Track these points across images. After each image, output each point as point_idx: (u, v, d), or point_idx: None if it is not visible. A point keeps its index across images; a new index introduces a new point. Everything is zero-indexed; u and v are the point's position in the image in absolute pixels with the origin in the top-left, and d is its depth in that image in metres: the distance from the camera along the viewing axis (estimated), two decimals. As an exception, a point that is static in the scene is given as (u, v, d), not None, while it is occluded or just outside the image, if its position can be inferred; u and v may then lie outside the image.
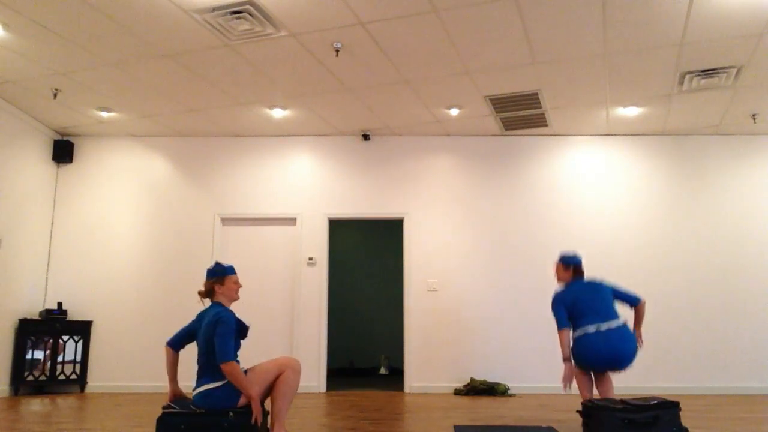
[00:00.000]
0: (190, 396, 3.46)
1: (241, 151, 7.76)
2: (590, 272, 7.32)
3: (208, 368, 3.38)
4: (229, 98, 6.60)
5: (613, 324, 4.17)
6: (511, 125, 7.35)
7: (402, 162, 7.69)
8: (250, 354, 6.86)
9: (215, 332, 3.33)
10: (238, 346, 3.47)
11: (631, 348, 4.14)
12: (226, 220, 7.64)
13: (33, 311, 7.19)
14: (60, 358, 7.05)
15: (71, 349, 7.15)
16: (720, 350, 7.13)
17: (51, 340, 7.00)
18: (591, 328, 4.18)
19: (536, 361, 7.20)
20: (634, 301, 4.40)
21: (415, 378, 7.22)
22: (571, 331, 4.31)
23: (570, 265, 4.48)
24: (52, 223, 7.58)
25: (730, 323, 7.19)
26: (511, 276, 7.39)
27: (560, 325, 4.28)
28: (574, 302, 4.29)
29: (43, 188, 7.43)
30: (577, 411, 4.03)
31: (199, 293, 3.62)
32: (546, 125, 7.34)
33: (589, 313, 4.24)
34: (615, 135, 7.67)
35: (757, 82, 6.12)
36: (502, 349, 7.25)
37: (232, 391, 3.32)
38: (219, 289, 3.58)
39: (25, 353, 6.81)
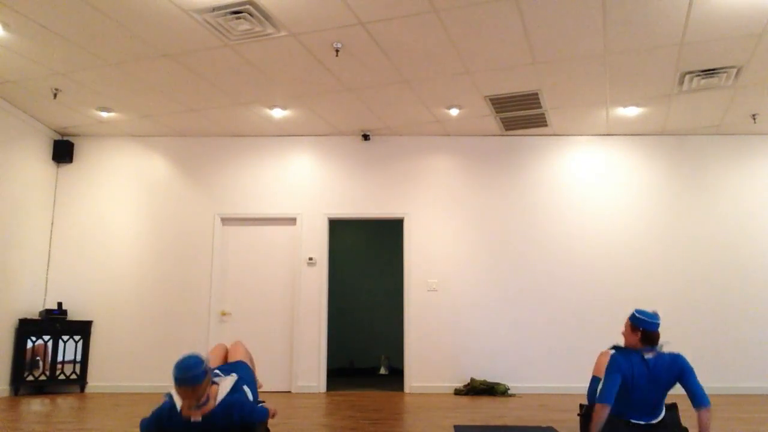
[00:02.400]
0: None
1: (241, 151, 7.76)
2: (589, 273, 7.33)
3: None
4: (229, 98, 6.60)
5: (651, 421, 3.40)
6: (511, 125, 7.34)
7: (402, 162, 7.69)
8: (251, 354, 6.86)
9: (248, 415, 3.02)
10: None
11: None
12: (226, 220, 7.63)
13: (33, 311, 7.19)
14: (60, 358, 7.06)
15: (71, 349, 7.15)
16: (720, 350, 7.13)
17: (51, 340, 7.01)
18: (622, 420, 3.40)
19: (536, 361, 7.20)
20: (701, 402, 3.26)
21: (415, 378, 7.22)
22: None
23: (639, 328, 3.38)
24: (52, 223, 7.57)
25: (729, 323, 7.19)
26: (511, 275, 7.39)
27: (603, 396, 3.27)
28: (626, 379, 3.33)
29: (43, 188, 7.43)
30: (578, 414, 4.01)
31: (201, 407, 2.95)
32: (546, 125, 7.34)
33: (634, 405, 3.38)
34: (615, 135, 7.67)
35: (757, 82, 6.12)
36: (502, 349, 7.25)
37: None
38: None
39: (25, 353, 6.82)
